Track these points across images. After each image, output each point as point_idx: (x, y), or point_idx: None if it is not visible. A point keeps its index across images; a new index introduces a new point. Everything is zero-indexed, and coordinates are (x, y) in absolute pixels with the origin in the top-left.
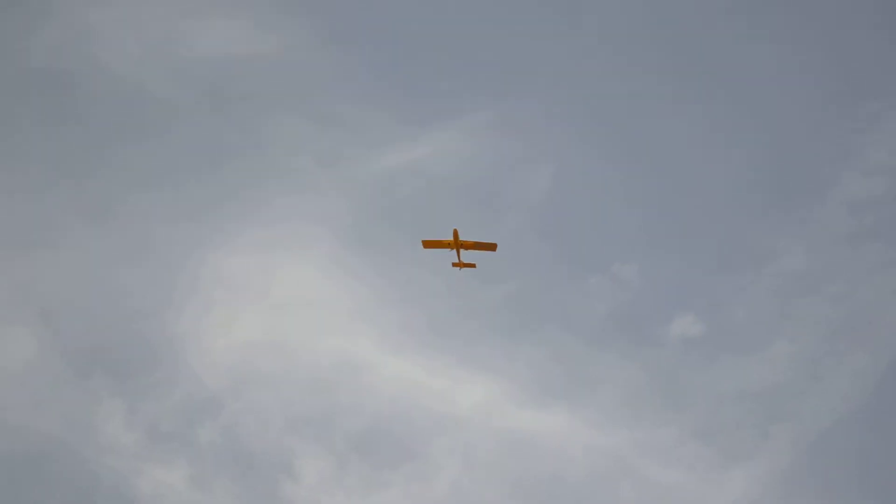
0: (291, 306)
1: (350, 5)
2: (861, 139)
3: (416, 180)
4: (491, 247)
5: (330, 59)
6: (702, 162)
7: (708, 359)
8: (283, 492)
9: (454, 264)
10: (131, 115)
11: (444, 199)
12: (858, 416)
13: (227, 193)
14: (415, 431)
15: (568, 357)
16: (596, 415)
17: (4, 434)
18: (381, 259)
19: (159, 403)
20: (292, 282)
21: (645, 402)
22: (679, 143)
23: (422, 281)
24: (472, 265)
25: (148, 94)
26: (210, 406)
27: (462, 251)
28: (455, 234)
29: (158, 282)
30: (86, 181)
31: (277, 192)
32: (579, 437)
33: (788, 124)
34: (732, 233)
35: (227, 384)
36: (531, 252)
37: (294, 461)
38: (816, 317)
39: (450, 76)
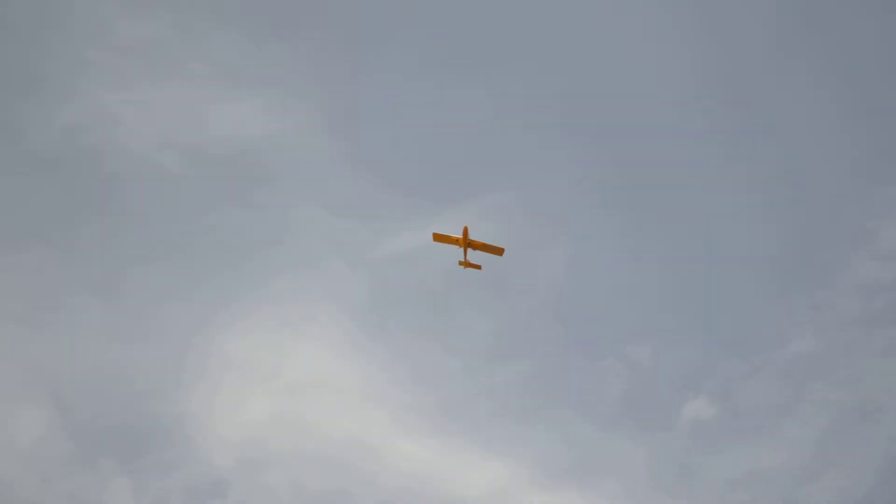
0: (303, 386)
1: (367, 89)
2: (874, 224)
3: (428, 263)
4: (498, 251)
5: (346, 142)
6: (715, 247)
7: (719, 442)
8: None
9: (460, 263)
10: (145, 195)
11: (457, 281)
12: (869, 498)
13: (239, 274)
14: None
15: (580, 440)
16: (607, 498)
17: None
18: (394, 340)
19: (168, 482)
20: (304, 362)
21: (656, 484)
22: (692, 228)
23: (434, 362)
24: (478, 266)
25: (164, 175)
26: (219, 485)
27: (470, 250)
28: (465, 231)
29: (168, 361)
30: (97, 262)
31: (289, 272)
32: None
33: (801, 209)
34: (744, 316)
35: (237, 464)
36: (544, 334)
37: None
38: (827, 400)
39: (465, 159)
